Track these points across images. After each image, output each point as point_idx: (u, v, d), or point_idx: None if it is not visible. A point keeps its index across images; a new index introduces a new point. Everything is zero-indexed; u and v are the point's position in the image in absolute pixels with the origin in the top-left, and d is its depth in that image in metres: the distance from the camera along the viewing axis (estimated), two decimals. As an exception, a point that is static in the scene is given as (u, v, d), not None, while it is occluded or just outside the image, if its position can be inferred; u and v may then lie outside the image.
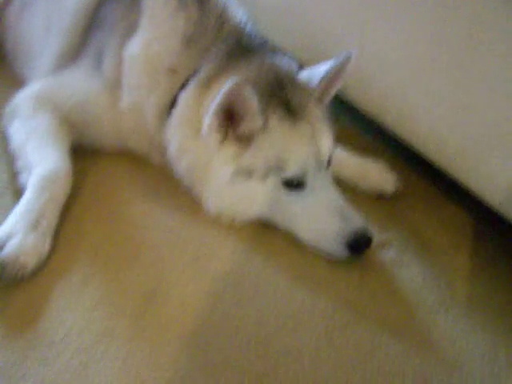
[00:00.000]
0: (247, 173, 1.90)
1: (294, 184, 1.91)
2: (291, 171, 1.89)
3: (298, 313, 1.77)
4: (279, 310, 1.76)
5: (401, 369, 1.68)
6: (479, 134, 2.06)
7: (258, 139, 1.89)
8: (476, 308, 1.96)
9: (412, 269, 2.04)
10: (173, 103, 2.01)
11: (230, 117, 1.87)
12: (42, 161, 1.89)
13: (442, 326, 1.86)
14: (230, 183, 1.92)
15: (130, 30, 2.11)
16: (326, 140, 2.00)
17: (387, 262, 2.04)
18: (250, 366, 1.59)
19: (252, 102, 1.81)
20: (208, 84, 1.98)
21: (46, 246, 1.71)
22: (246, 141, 1.90)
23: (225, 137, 1.91)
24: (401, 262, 2.06)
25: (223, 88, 1.78)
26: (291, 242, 2.00)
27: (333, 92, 2.15)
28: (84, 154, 2.14)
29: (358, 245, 1.91)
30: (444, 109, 2.16)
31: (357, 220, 1.92)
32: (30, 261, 1.64)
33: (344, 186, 2.25)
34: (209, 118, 1.86)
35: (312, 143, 1.94)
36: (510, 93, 1.94)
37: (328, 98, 2.15)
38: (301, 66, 2.17)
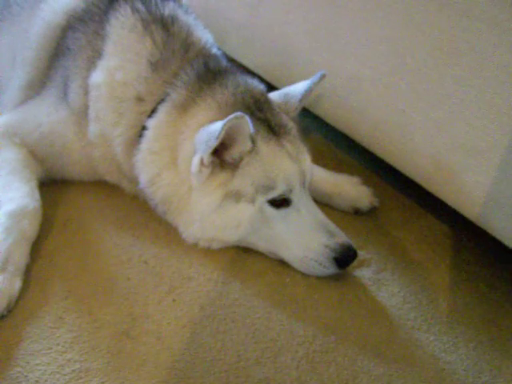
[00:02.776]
0: (236, 197, 1.87)
1: (280, 202, 1.89)
2: (279, 189, 1.87)
3: (278, 340, 1.74)
4: (258, 338, 1.73)
5: (384, 392, 1.66)
6: (452, 147, 2.04)
7: (246, 162, 1.86)
8: (458, 322, 1.94)
9: (392, 286, 2.02)
10: (141, 132, 1.97)
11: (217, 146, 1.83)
12: (9, 198, 1.86)
13: (425, 343, 1.84)
14: (218, 209, 1.88)
15: (95, 58, 2.07)
16: (306, 157, 1.99)
17: (366, 281, 2.02)
18: (231, 398, 1.56)
19: (248, 129, 1.78)
20: (184, 110, 1.94)
21: (16, 287, 1.68)
22: (232, 166, 1.86)
23: (212, 168, 1.86)
24: (380, 280, 2.04)
25: (222, 124, 1.72)
26: (268, 264, 1.98)
27: (299, 109, 2.14)
28: (54, 185, 2.12)
29: (346, 258, 1.91)
30: (417, 122, 2.14)
31: (341, 235, 1.93)
32: (-1, 304, 1.61)
33: (319, 202, 2.24)
34: (203, 156, 1.80)
35: (296, 160, 1.92)
36: (482, 103, 1.92)
37: (296, 115, 2.14)
38: (269, 88, 2.15)
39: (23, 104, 2.20)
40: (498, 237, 2.01)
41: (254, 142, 1.84)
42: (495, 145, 1.89)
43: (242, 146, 1.83)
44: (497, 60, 1.83)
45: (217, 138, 1.74)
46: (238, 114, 1.73)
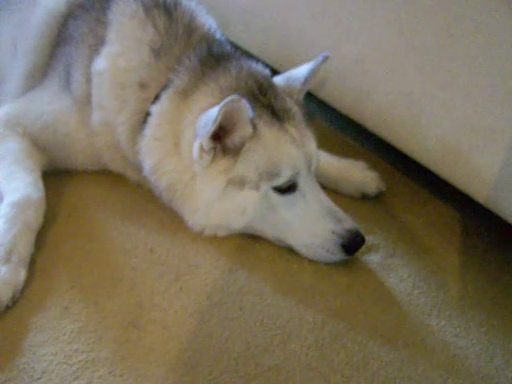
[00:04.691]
0: (239, 183, 1.84)
1: (285, 188, 1.87)
2: (284, 175, 1.84)
3: (286, 327, 1.72)
4: (266, 325, 1.71)
5: (395, 378, 1.63)
6: (461, 128, 2.01)
7: (248, 147, 1.83)
8: (469, 307, 1.92)
9: (401, 271, 2.00)
10: (145, 119, 1.95)
11: (218, 132, 1.80)
12: (12, 188, 1.84)
13: (435, 328, 1.82)
14: (221, 197, 1.86)
15: (97, 45, 2.04)
16: (311, 141, 1.97)
17: (375, 267, 2.00)
18: (240, 387, 1.54)
19: (247, 113, 1.75)
20: (186, 96, 1.91)
21: (21, 278, 1.66)
22: (234, 152, 1.84)
23: (214, 154, 1.84)
24: (389, 266, 2.01)
25: (218, 108, 1.69)
26: (275, 251, 1.96)
27: (304, 92, 2.12)
28: (58, 175, 2.10)
29: (353, 245, 1.89)
30: (423, 104, 2.12)
31: (348, 220, 1.90)
32: (4, 294, 1.59)
33: (326, 188, 2.21)
34: (203, 141, 1.78)
35: (300, 145, 1.89)
36: (491, 83, 1.89)
37: (301, 99, 2.11)
38: (273, 72, 2.12)
39: (25, 94, 2.18)
40: (508, 219, 1.98)
41: (255, 126, 1.82)
42: (505, 125, 1.87)
43: (242, 131, 1.80)
44: (506, 38, 1.80)
45: (214, 122, 1.71)
46: (235, 97, 1.70)
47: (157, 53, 1.98)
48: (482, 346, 1.79)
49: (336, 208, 1.93)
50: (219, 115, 1.71)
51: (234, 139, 1.83)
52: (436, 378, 1.66)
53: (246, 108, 1.74)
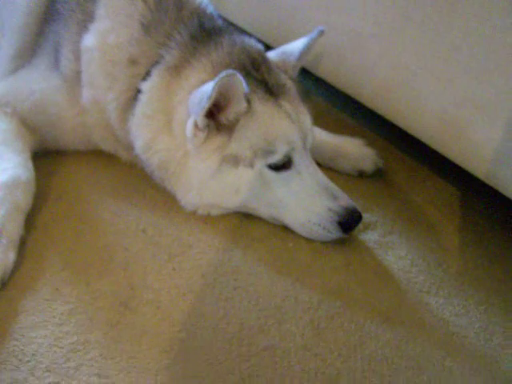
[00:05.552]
0: (234, 161, 1.81)
1: (280, 165, 1.83)
2: (279, 152, 1.80)
3: (282, 307, 1.69)
4: (261, 305, 1.68)
5: (393, 357, 1.61)
6: (459, 103, 1.97)
7: (242, 124, 1.79)
8: (468, 285, 1.89)
9: (399, 249, 1.97)
10: (136, 96, 1.90)
11: (212, 108, 1.76)
12: (0, 169, 1.79)
13: (434, 307, 1.79)
14: (215, 175, 1.82)
15: (86, 21, 1.99)
16: (306, 117, 1.93)
17: (373, 245, 1.96)
18: (234, 367, 1.51)
19: (242, 88, 1.70)
20: (178, 72, 1.87)
21: (10, 260, 1.62)
22: (228, 129, 1.80)
23: (208, 131, 1.79)
24: (387, 243, 1.98)
25: (213, 84, 1.65)
26: (270, 230, 1.93)
27: (299, 68, 2.09)
28: (48, 156, 2.06)
29: (350, 222, 1.86)
30: (422, 79, 2.07)
31: (344, 198, 1.87)
32: (-7, 277, 1.56)
33: (322, 166, 2.18)
34: (197, 119, 1.74)
35: (295, 120, 1.86)
36: (490, 55, 1.84)
37: (295, 74, 2.07)
38: (267, 47, 2.08)
39: (14, 73, 2.13)
40: (508, 195, 1.94)
41: (249, 102, 1.77)
42: (505, 99, 1.82)
43: (236, 106, 1.76)
44: (507, 7, 1.74)
45: (208, 98, 1.67)
46: (230, 71, 1.65)
47: (147, 28, 1.93)
48: (481, 324, 1.76)
49: (332, 185, 1.89)
50: (214, 91, 1.67)
51: (228, 115, 1.78)
52: (435, 356, 1.63)
53: (240, 83, 1.69)
